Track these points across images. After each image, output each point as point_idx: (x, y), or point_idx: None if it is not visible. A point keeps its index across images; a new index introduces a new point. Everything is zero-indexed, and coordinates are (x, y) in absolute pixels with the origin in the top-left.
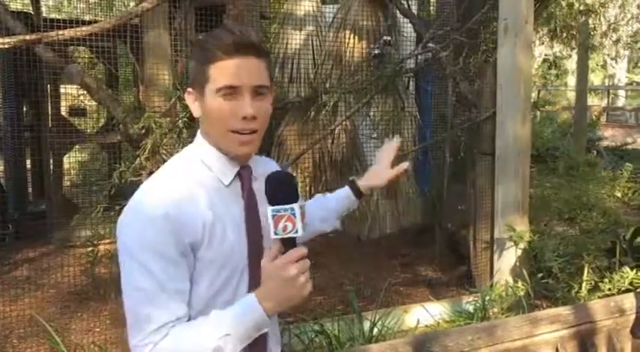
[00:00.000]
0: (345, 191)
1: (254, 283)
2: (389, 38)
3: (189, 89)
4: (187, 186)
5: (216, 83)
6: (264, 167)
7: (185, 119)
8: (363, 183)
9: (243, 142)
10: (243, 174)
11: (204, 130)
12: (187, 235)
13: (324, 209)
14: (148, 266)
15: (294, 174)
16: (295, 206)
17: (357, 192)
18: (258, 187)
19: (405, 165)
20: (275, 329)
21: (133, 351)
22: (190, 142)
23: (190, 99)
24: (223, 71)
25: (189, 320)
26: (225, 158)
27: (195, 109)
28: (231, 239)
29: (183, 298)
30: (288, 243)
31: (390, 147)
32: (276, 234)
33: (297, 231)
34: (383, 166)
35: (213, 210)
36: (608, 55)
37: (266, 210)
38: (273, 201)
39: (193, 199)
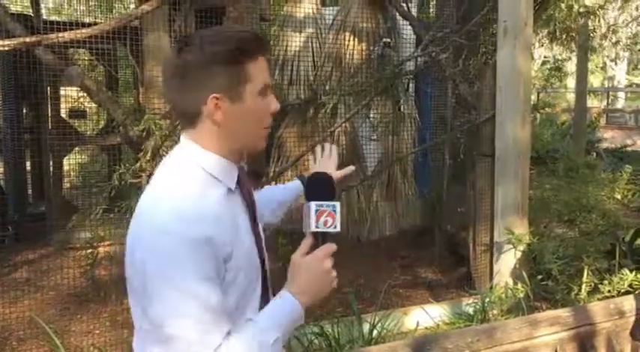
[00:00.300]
0: (296, 184)
1: (265, 284)
2: (388, 40)
3: (217, 94)
4: (209, 200)
5: (259, 82)
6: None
7: None
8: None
9: (266, 137)
10: (242, 176)
11: (223, 138)
12: (222, 252)
13: (275, 201)
14: (194, 292)
15: (292, 175)
16: (337, 203)
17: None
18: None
19: (350, 168)
20: None
21: None
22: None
23: (212, 106)
24: (262, 69)
25: None
26: (226, 161)
27: (220, 116)
28: (247, 244)
29: (224, 311)
30: (322, 238)
31: (330, 152)
32: (317, 227)
33: (335, 227)
34: (330, 167)
35: (233, 220)
36: (607, 56)
37: (308, 206)
38: (315, 198)
39: (219, 214)
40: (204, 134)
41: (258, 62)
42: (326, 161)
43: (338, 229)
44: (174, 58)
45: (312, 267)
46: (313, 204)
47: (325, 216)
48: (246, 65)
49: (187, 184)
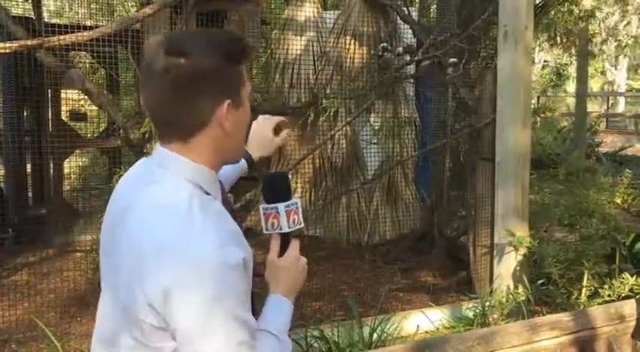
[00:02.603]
0: (241, 162)
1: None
2: (386, 44)
3: (228, 100)
4: (226, 220)
5: (249, 86)
6: None
7: None
8: (255, 154)
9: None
10: (222, 187)
11: (218, 149)
12: (249, 271)
13: (224, 178)
14: (242, 317)
15: (293, 179)
16: (298, 200)
17: (250, 160)
18: None
19: (287, 132)
20: None
21: None
22: None
23: (226, 112)
24: (246, 73)
25: None
26: (213, 174)
27: (228, 124)
28: None
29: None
30: (286, 237)
31: (269, 120)
32: (289, 227)
33: (301, 223)
34: (269, 136)
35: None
36: (608, 56)
37: (275, 208)
38: (281, 198)
39: (239, 232)
40: (202, 145)
41: (245, 66)
42: (266, 127)
43: (303, 224)
44: (172, 63)
45: (293, 267)
46: (282, 207)
47: (293, 215)
48: (241, 67)
49: (198, 206)
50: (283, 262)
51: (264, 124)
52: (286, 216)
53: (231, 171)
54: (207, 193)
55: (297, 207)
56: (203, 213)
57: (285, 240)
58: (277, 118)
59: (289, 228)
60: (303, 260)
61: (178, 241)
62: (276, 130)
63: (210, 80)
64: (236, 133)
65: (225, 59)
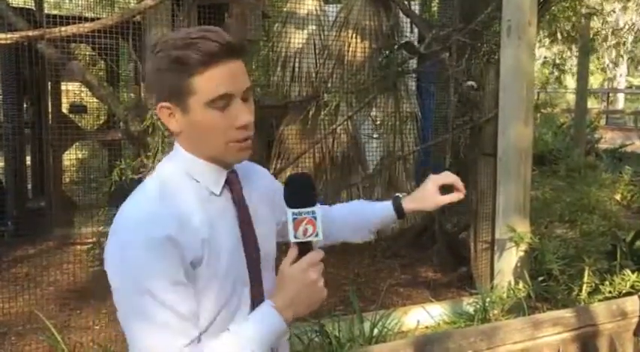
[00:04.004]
0: (387, 206)
1: (256, 293)
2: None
3: (163, 103)
4: (178, 201)
5: (207, 94)
6: (247, 170)
7: None
8: (408, 204)
9: (242, 149)
10: (232, 180)
11: (192, 145)
12: (189, 253)
13: (361, 218)
14: (161, 297)
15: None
16: (316, 209)
17: (400, 211)
18: (248, 192)
19: (457, 195)
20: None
21: None
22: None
23: (164, 115)
24: (213, 80)
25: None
26: (216, 166)
27: (174, 125)
28: (230, 250)
29: (196, 317)
30: (305, 247)
31: (443, 176)
32: (296, 237)
33: (317, 235)
34: (432, 191)
35: (209, 224)
36: (608, 48)
37: (286, 213)
38: (293, 204)
39: (188, 215)
40: (178, 138)
41: (209, 73)
42: (434, 182)
43: (320, 237)
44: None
45: (297, 278)
46: (290, 212)
47: (305, 225)
48: (191, 76)
49: (155, 186)
50: (290, 270)
51: (434, 178)
52: (294, 225)
53: (371, 213)
54: (195, 180)
55: (312, 217)
56: (153, 190)
57: (304, 249)
58: (453, 178)
59: (295, 238)
60: (312, 274)
61: (118, 219)
62: (446, 188)
63: (148, 82)
64: (192, 136)
65: (168, 64)
